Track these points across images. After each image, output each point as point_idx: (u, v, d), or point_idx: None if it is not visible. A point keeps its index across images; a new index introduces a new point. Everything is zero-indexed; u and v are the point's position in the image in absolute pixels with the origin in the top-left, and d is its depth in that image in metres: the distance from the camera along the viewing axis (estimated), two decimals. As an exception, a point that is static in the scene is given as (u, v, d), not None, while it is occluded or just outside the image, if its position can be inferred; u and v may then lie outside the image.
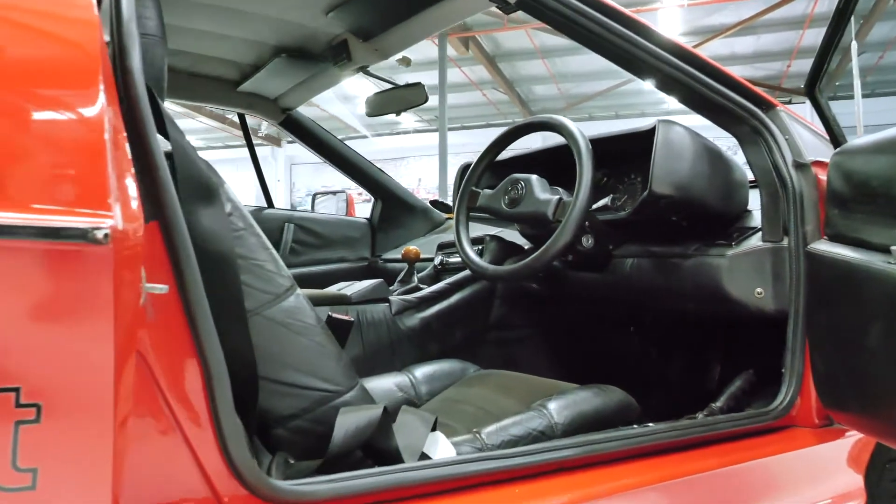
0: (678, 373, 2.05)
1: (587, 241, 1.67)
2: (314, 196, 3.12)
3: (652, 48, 1.27)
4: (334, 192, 3.06)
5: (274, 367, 1.02)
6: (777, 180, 1.36)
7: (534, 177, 1.66)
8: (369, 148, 15.03)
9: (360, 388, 1.14)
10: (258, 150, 2.82)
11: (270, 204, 2.79)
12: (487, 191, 1.77)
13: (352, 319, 1.75)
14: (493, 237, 2.06)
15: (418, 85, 2.09)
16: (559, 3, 1.18)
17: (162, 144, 0.83)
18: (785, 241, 1.35)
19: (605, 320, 2.10)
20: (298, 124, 2.57)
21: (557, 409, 1.30)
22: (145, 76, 1.01)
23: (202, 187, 0.94)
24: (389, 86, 2.15)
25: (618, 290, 1.74)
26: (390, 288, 2.15)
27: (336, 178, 3.12)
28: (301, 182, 15.35)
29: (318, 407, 1.05)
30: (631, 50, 1.27)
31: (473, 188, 1.81)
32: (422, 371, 1.71)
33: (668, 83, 1.34)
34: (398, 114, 2.13)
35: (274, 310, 1.01)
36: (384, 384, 1.63)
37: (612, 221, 1.67)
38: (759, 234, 1.41)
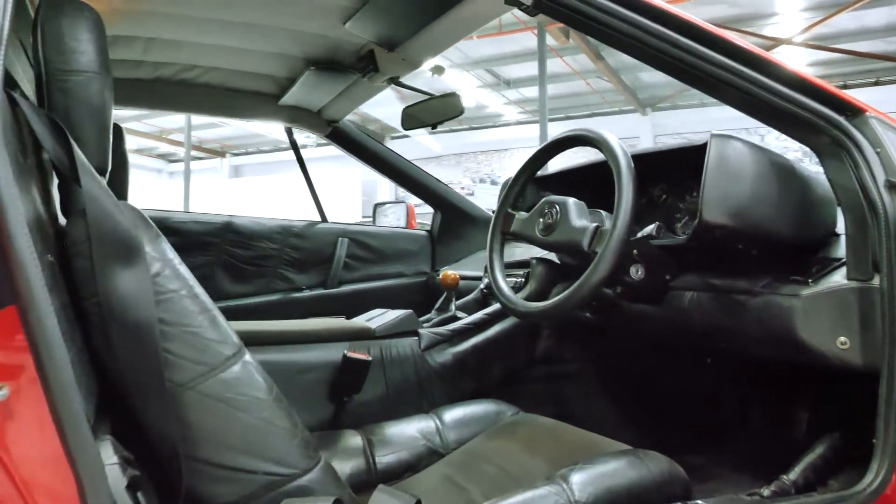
0: (754, 421, 1.77)
1: (637, 272, 1.44)
2: (375, 207, 3.00)
3: (697, 48, 1.06)
4: (394, 203, 2.93)
5: (212, 448, 0.89)
6: (865, 204, 1.10)
7: (570, 200, 1.45)
8: (470, 140, 14.93)
9: (323, 468, 1.00)
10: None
11: (324, 218, 2.70)
12: (523, 214, 1.57)
13: (368, 359, 1.61)
14: (541, 260, 1.86)
15: (453, 95, 1.91)
16: (582, 2, 0.99)
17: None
18: (876, 280, 1.09)
19: (671, 353, 1.84)
20: (346, 136, 2.46)
21: (581, 483, 1.10)
22: (77, 115, 0.90)
23: (121, 246, 0.83)
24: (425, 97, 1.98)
25: (675, 327, 1.51)
26: (428, 316, 1.99)
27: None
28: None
29: (265, 493, 0.92)
30: (669, 51, 1.05)
31: (509, 210, 1.62)
32: (451, 414, 1.55)
33: (722, 89, 1.11)
34: (434, 127, 1.97)
35: (210, 383, 0.88)
36: (407, 430, 1.49)
37: (669, 247, 1.44)
38: (844, 268, 1.14)
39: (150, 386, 0.82)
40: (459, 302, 2.13)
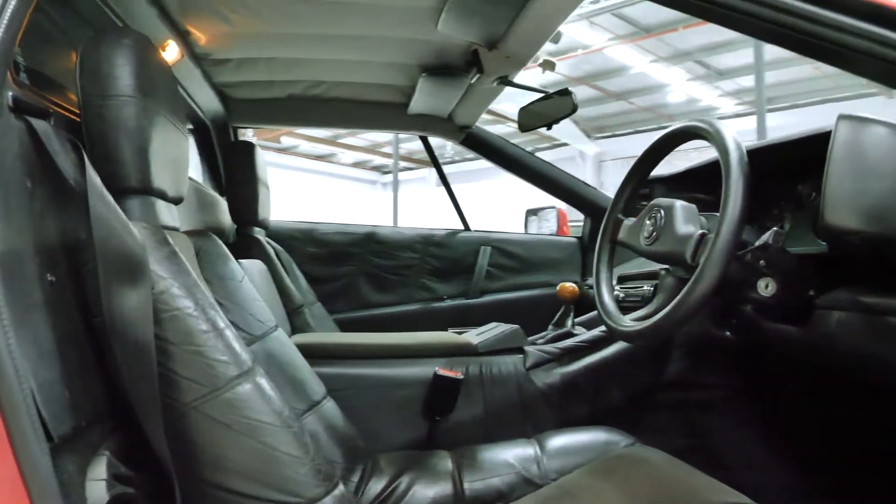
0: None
1: (766, 287, 1.20)
2: (527, 214, 2.88)
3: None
4: (546, 209, 2.78)
5: (214, 471, 0.87)
6: None
7: (678, 203, 1.26)
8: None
9: (337, 498, 0.94)
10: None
11: (466, 226, 2.64)
12: (632, 220, 1.39)
13: (460, 377, 1.52)
14: (670, 271, 1.63)
15: (565, 92, 1.75)
16: None
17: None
18: None
19: (821, 386, 1.52)
20: (481, 141, 2.38)
21: None
22: (113, 137, 0.93)
23: (124, 265, 0.84)
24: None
25: (821, 354, 1.24)
26: (542, 334, 1.84)
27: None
28: (610, 180, 14.93)
29: None
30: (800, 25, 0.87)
31: (619, 216, 1.44)
32: (555, 441, 1.41)
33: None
34: (549, 128, 1.82)
35: (212, 404, 0.86)
36: (502, 455, 1.38)
37: (815, 256, 1.19)
38: None
39: (147, 404, 0.82)
40: (587, 316, 1.95)
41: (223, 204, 2.07)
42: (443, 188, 2.67)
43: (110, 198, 0.87)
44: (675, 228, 1.22)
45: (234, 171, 2.06)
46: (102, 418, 0.83)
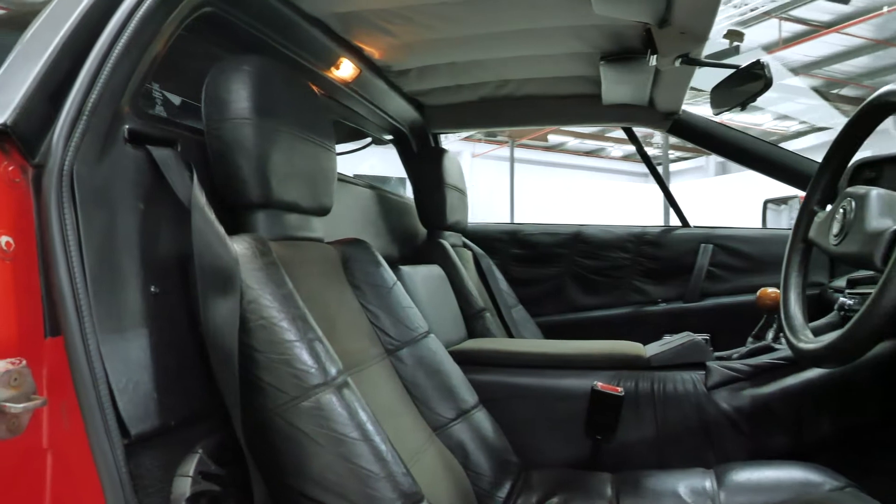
0: None
1: None
2: (765, 205, 2.51)
3: None
4: (785, 200, 2.40)
5: (296, 477, 0.90)
6: None
7: (874, 192, 1.01)
8: None
9: None
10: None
11: (685, 222, 2.39)
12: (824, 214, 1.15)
13: (619, 394, 1.38)
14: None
15: (757, 66, 1.47)
16: None
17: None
18: None
19: None
20: (690, 127, 2.14)
21: None
22: (232, 157, 1.02)
23: (217, 277, 0.91)
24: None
25: None
26: (738, 349, 1.58)
27: None
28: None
29: None
30: None
31: (815, 208, 1.20)
32: (740, 475, 1.24)
33: None
34: (743, 108, 1.55)
35: (292, 411, 0.90)
36: (672, 485, 1.25)
37: None
38: None
39: (233, 408, 0.88)
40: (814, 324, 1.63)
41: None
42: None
43: (210, 214, 0.93)
44: (866, 223, 0.96)
45: (422, 178, 2.11)
46: (199, 419, 0.90)
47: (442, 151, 2.17)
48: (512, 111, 2.21)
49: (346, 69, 1.70)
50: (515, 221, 2.56)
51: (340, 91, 1.80)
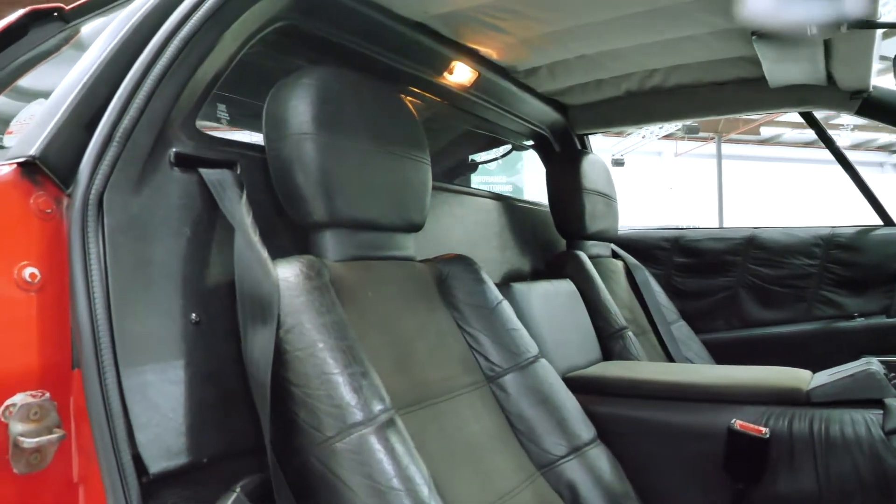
0: None
1: None
2: None
3: None
4: None
5: None
6: None
7: None
8: None
9: None
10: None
11: (887, 221, 1.99)
12: None
13: (764, 435, 1.14)
14: None
15: None
16: None
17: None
18: None
19: None
20: (885, 106, 1.76)
21: None
22: (292, 175, 0.98)
23: (256, 305, 0.87)
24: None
25: None
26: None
27: None
28: None
29: None
30: None
31: None
32: None
33: None
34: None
35: (328, 453, 0.82)
36: None
37: None
38: None
39: (267, 447, 0.82)
40: None
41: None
42: None
43: (254, 236, 0.88)
44: None
45: (556, 184, 1.95)
46: (241, 456, 0.85)
47: (581, 153, 2.00)
48: (664, 104, 1.98)
49: (461, 73, 1.61)
50: (727, 226, 2.30)
51: (462, 98, 1.71)
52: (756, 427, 1.15)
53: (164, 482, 0.75)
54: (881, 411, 1.14)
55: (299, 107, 0.97)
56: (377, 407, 0.84)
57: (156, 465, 0.74)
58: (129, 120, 0.80)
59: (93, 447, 0.72)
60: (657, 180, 11.82)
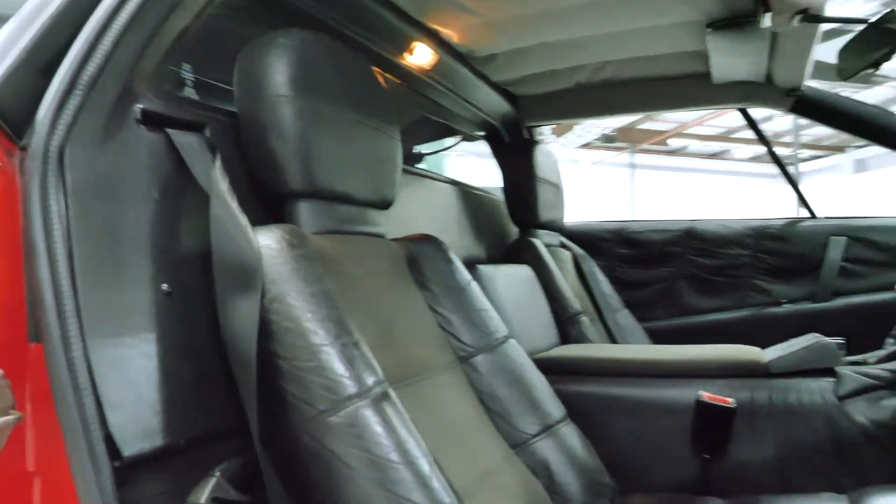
0: None
1: None
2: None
3: None
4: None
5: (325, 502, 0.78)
6: None
7: None
8: None
9: None
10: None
11: (812, 213, 2.13)
12: None
13: (731, 405, 1.19)
14: None
15: (891, 17, 1.23)
16: None
17: None
18: None
19: None
20: (816, 104, 1.89)
21: None
22: (268, 141, 0.92)
23: (237, 273, 0.81)
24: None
25: None
26: (877, 352, 1.33)
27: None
28: None
29: None
30: None
31: None
32: (882, 501, 1.04)
33: None
34: (876, 67, 1.31)
35: (321, 428, 0.78)
36: None
37: None
38: None
39: (251, 426, 0.77)
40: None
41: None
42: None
43: (232, 202, 0.83)
44: None
45: (512, 172, 1.98)
46: (220, 437, 0.81)
47: (533, 144, 2.03)
48: (612, 98, 2.04)
49: (423, 55, 1.61)
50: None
51: (422, 82, 1.70)
52: (723, 398, 1.20)
53: (138, 466, 0.69)
54: (834, 379, 1.22)
55: (276, 66, 0.92)
56: (370, 379, 0.81)
57: (129, 448, 0.68)
58: (93, 66, 0.72)
59: (57, 430, 0.65)
60: (574, 186, 12.15)
